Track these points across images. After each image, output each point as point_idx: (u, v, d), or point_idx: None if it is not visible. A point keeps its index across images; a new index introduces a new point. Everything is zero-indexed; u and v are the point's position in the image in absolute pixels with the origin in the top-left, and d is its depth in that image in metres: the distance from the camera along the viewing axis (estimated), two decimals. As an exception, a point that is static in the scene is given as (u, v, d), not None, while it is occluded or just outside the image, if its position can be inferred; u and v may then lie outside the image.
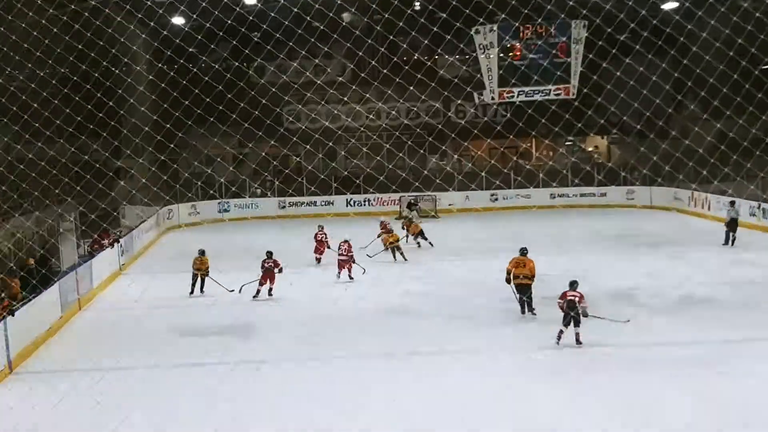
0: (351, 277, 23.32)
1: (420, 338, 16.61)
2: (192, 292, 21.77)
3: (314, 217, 34.99)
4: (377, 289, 21.82)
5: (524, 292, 18.05)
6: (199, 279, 21.91)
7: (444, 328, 17.46)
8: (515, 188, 39.81)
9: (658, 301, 19.42)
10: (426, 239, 28.75)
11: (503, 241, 29.48)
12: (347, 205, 40.09)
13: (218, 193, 38.89)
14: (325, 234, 26.27)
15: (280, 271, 21.21)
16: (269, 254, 21.41)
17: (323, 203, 40.13)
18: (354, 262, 23.63)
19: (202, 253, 22.28)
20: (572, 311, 15.62)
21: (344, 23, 25.33)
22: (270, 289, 21.12)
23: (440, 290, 21.48)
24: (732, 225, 27.30)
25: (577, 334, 15.62)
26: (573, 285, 15.99)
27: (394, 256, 26.22)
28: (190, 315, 19.51)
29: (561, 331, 15.68)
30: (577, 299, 15.70)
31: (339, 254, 23.67)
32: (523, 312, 18.11)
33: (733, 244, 27.06)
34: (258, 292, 21.10)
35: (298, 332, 17.39)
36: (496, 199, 40.51)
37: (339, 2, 17.24)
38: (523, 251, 18.41)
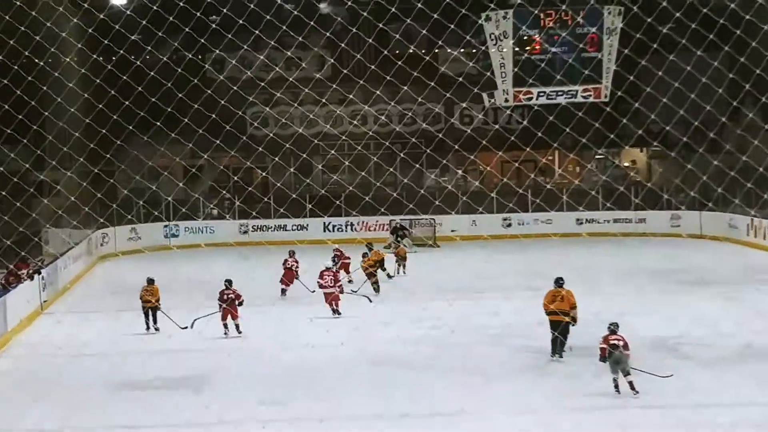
0: (338, 312, 23.86)
1: (410, 396, 16.57)
2: (148, 328, 22.30)
3: (283, 244, 34.90)
4: (360, 332, 21.82)
5: (557, 328, 18.59)
6: (150, 313, 22.39)
7: (441, 384, 17.43)
8: (533, 212, 39.95)
9: (708, 352, 19.45)
10: (384, 269, 29.04)
11: (517, 277, 29.62)
12: (324, 231, 40.19)
13: (165, 215, 38.91)
14: (297, 262, 26.59)
15: (240, 303, 21.70)
16: (229, 283, 21.91)
17: (295, 228, 40.25)
18: (342, 292, 24.32)
19: (150, 281, 22.74)
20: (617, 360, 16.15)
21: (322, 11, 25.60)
22: (237, 325, 21.69)
23: (437, 336, 21.46)
24: None
25: (631, 383, 16.07)
26: (614, 328, 16.57)
27: (376, 288, 27.09)
28: (127, 364, 19.44)
29: (615, 379, 16.20)
30: (621, 344, 16.25)
31: (325, 286, 24.17)
32: (552, 354, 18.63)
33: None
34: (225, 328, 21.63)
35: (261, 387, 17.35)
36: (510, 225, 40.68)
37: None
38: (559, 282, 19.08)
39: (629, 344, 16.29)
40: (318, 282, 24.55)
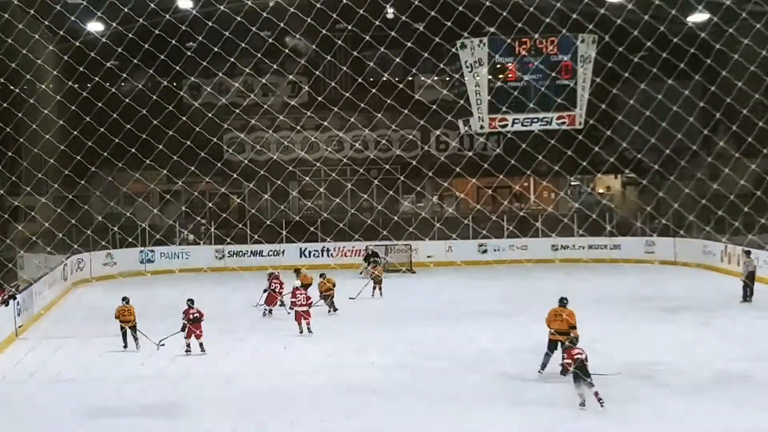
0: (310, 331, 24.57)
1: (385, 423, 16.55)
2: (126, 346, 23.02)
3: (258, 269, 34.94)
4: (334, 359, 21.81)
5: (553, 349, 19.17)
6: (128, 333, 23.06)
7: (416, 411, 17.38)
8: (508, 238, 40.05)
9: (682, 379, 19.49)
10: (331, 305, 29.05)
11: (493, 303, 29.68)
12: (300, 256, 40.11)
13: (140, 240, 38.74)
14: (281, 283, 27.34)
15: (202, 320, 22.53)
16: (191, 302, 22.67)
17: (270, 253, 40.14)
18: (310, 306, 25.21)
19: (126, 301, 23.48)
20: (582, 371, 16.52)
21: (296, 40, 25.65)
22: (201, 344, 22.31)
23: (413, 363, 21.47)
24: (750, 278, 29.43)
25: (596, 394, 16.46)
26: (574, 342, 17.20)
27: (331, 307, 28.18)
28: (101, 390, 19.31)
29: (581, 395, 16.62)
30: (584, 357, 16.68)
31: (298, 305, 24.82)
32: (542, 370, 19.38)
33: (750, 299, 29.09)
34: (188, 346, 22.26)
35: (236, 413, 17.27)
36: (485, 251, 40.74)
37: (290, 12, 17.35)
38: (562, 302, 19.78)
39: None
40: (291, 301, 24.99)
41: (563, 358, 17.07)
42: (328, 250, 40.74)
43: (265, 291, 28.19)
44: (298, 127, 37.52)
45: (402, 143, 42.78)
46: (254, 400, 18.34)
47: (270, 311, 27.72)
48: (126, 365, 21.51)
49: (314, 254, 40.77)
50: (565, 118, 35.05)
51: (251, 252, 40.42)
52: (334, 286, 28.54)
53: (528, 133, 31.61)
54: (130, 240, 36.42)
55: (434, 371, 20.47)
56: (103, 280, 36.58)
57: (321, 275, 28.92)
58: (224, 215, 37.23)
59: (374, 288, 32.25)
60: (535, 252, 39.87)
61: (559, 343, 18.60)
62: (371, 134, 42.97)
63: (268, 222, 37.39)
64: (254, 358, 22.02)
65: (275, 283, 28.11)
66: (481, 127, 36.24)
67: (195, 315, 22.39)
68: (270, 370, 21.00)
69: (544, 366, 19.46)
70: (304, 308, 24.73)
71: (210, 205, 38.54)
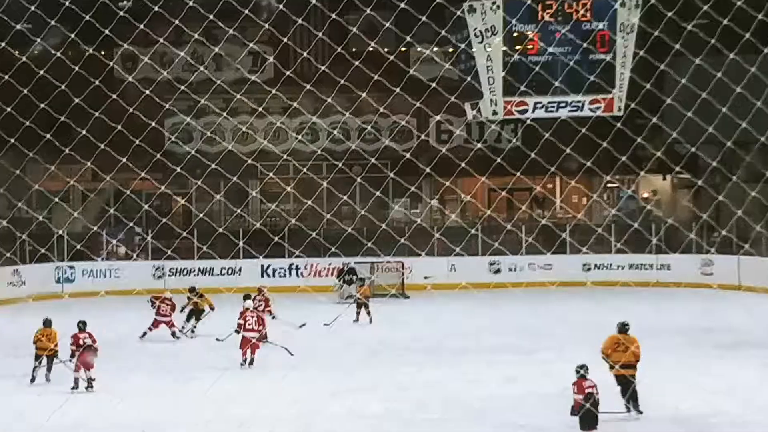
0: (251, 362, 25.41)
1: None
2: (33, 380, 23.40)
3: (212, 292, 34.67)
4: (303, 405, 21.76)
5: (626, 385, 19.78)
6: (45, 361, 23.36)
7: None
8: (527, 254, 40.17)
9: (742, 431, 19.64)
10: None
11: (506, 336, 29.76)
12: (262, 276, 40.17)
13: (56, 253, 38.72)
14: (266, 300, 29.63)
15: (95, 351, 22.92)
16: (83, 324, 23.20)
17: (224, 271, 40.21)
18: (265, 338, 25.94)
19: (47, 323, 23.75)
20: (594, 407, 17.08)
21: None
22: (90, 379, 22.70)
23: (402, 411, 21.52)
24: None
25: None
26: (585, 372, 17.74)
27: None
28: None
29: None
30: (595, 392, 17.27)
31: (246, 330, 25.58)
32: (628, 410, 19.97)
33: None
34: (75, 382, 22.69)
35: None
36: (498, 271, 40.92)
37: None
38: (624, 327, 20.42)
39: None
40: (238, 323, 25.71)
41: (573, 392, 17.24)
42: (297, 267, 40.85)
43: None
44: (261, 109, 37.63)
45: (392, 132, 42.89)
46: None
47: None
48: (35, 413, 21.36)
49: (280, 273, 40.91)
50: (600, 102, 35.11)
51: (199, 269, 40.49)
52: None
53: (553, 121, 31.63)
54: (43, 251, 36.40)
55: (430, 423, 20.53)
56: (7, 304, 36.49)
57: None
58: (164, 221, 37.12)
59: (358, 312, 32.39)
60: (561, 272, 40.04)
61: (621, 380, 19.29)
62: (354, 120, 43.03)
63: (221, 230, 37.30)
64: (203, 403, 21.89)
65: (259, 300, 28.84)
66: (494, 113, 36.28)
67: (86, 340, 22.65)
68: (221, 417, 20.89)
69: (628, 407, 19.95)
70: (254, 333, 25.32)
71: (146, 207, 38.35)
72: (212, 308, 30.87)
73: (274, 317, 30.04)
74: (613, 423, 18.98)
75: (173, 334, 30.35)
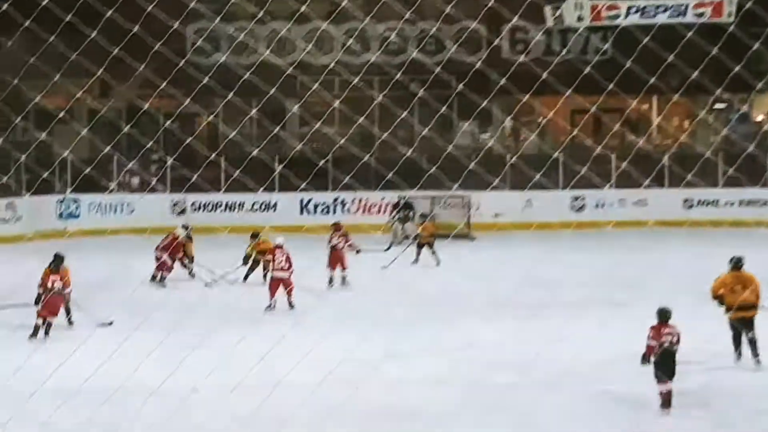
0: (292, 305, 25.98)
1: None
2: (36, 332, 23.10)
3: (239, 233, 34.71)
4: (350, 366, 21.71)
5: (747, 327, 20.17)
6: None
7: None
8: (618, 188, 40.12)
9: None
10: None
11: (591, 286, 29.77)
12: (302, 212, 40.35)
13: (58, 182, 38.98)
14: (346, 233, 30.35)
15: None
16: (60, 260, 23.39)
17: (258, 207, 40.37)
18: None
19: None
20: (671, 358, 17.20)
21: None
22: (49, 324, 22.88)
23: (467, 374, 21.70)
24: None
25: (663, 394, 17.38)
26: (666, 315, 17.63)
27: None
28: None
29: (663, 393, 17.40)
30: (675, 340, 17.39)
31: (275, 269, 26.22)
32: (739, 357, 20.46)
33: None
34: (35, 329, 22.94)
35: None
36: (583, 207, 40.91)
37: None
38: (738, 264, 20.77)
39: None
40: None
41: (648, 336, 17.53)
42: (343, 202, 40.95)
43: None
44: (301, 11, 37.62)
45: (456, 40, 42.80)
46: (236, 428, 18.57)
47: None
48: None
49: (323, 209, 40.98)
50: (706, 5, 34.97)
51: (227, 204, 40.68)
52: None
53: (650, 28, 31.54)
54: (44, 177, 36.42)
55: (498, 387, 20.61)
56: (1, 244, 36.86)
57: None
58: (188, 142, 37.10)
59: (418, 252, 32.66)
60: (658, 209, 40.01)
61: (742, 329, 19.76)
62: (413, 27, 43.02)
63: (255, 152, 37.47)
64: (228, 363, 22.08)
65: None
66: (580, 18, 36.23)
67: (55, 284, 22.81)
68: (253, 382, 21.05)
69: (738, 352, 20.45)
70: (283, 274, 25.91)
71: (166, 125, 38.33)
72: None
73: (358, 251, 31.05)
74: (719, 371, 19.43)
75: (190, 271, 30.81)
